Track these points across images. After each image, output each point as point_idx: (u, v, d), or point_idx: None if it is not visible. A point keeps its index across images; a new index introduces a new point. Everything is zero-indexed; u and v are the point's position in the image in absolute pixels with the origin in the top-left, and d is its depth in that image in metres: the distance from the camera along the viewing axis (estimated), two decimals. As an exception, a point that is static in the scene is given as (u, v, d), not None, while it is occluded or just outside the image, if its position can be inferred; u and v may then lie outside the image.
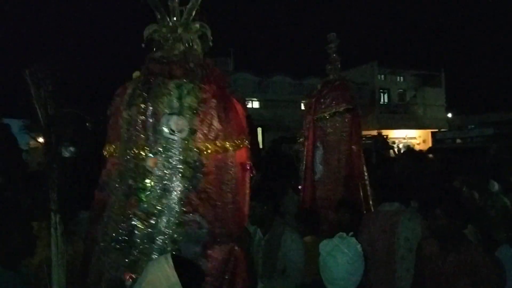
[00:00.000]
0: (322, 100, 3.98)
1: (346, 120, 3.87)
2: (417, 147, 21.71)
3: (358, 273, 1.81)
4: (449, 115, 27.32)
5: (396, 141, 22.63)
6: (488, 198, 4.60)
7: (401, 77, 26.96)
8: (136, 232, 1.96)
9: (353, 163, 3.86)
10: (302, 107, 4.55)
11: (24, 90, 2.19)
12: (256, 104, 22.81)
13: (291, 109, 21.05)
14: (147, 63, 2.24)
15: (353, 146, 3.88)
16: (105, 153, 2.29)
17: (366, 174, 3.91)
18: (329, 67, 4.15)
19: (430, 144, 19.67)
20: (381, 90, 25.95)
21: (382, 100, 26.09)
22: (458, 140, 16.98)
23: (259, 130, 17.15)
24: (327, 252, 1.84)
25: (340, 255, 1.80)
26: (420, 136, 24.90)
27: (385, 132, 20.38)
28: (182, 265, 1.62)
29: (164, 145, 2.02)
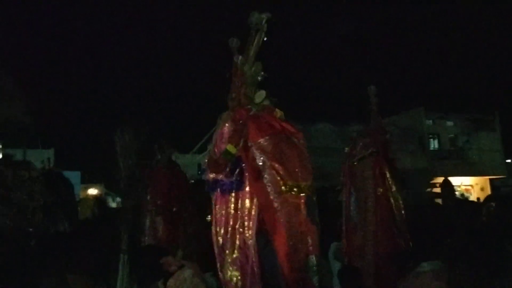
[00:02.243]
0: (356, 147, 4.11)
1: (371, 162, 3.92)
2: (474, 195, 20.18)
3: None
4: (508, 160, 25.52)
5: (451, 189, 21.22)
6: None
7: (451, 122, 25.84)
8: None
9: (381, 207, 3.80)
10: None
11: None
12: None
13: (334, 157, 20.66)
14: None
15: (378, 190, 3.84)
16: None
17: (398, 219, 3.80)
18: (370, 118, 4.25)
19: (488, 192, 18.25)
20: (430, 136, 24.95)
21: (432, 146, 24.98)
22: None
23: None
24: None
25: None
26: (477, 184, 23.31)
27: (437, 179, 19.26)
28: None
29: None
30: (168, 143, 4.28)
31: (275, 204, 2.34)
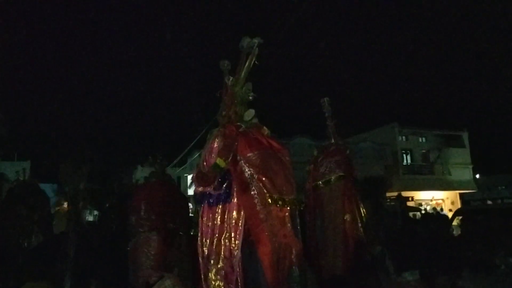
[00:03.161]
0: (318, 167, 3.95)
1: (339, 188, 3.78)
2: (445, 209, 20.76)
3: None
4: (478, 175, 26.45)
5: (423, 203, 21.81)
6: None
7: (423, 138, 26.69)
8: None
9: (347, 233, 3.68)
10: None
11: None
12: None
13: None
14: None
15: (346, 216, 3.71)
16: None
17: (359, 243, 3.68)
18: (327, 132, 4.15)
19: (459, 205, 18.83)
20: (403, 151, 25.65)
21: (405, 161, 25.66)
22: (489, 201, 16.20)
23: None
24: None
25: None
26: (448, 198, 23.99)
27: (410, 193, 19.77)
28: None
29: None
30: (161, 155, 4.16)
31: (261, 216, 2.44)
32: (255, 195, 2.47)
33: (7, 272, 2.96)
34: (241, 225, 2.46)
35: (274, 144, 2.74)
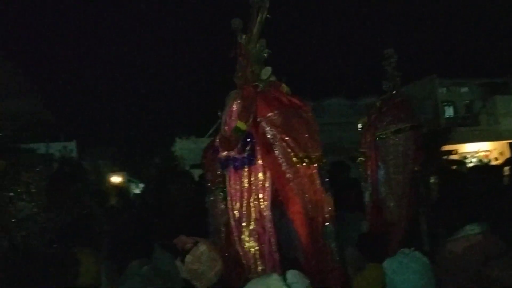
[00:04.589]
0: (382, 118, 3.80)
1: (410, 139, 3.66)
2: (494, 161, 19.91)
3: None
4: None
5: (468, 155, 21.00)
6: None
7: (466, 88, 25.33)
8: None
9: (417, 185, 3.64)
10: (359, 127, 4.29)
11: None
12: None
13: (348, 131, 20.57)
14: None
15: (415, 168, 3.65)
16: None
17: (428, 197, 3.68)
18: (388, 84, 3.97)
19: (508, 155, 17.96)
20: (444, 104, 24.52)
21: (447, 114, 24.59)
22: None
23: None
24: (392, 271, 1.73)
25: (409, 272, 1.67)
26: (495, 149, 22.93)
27: (454, 147, 19.05)
28: None
29: None
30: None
31: (288, 175, 2.41)
32: (280, 155, 2.43)
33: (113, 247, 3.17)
34: (268, 186, 2.45)
35: (295, 101, 2.65)
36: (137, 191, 18.48)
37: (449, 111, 24.79)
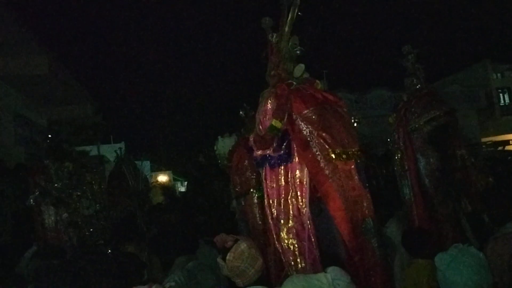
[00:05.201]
0: (413, 110, 3.77)
1: (444, 126, 3.66)
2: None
3: (486, 284, 1.60)
4: None
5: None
6: None
7: (524, 72, 23.51)
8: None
9: (459, 169, 3.61)
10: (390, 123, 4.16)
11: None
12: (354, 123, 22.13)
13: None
14: None
15: (457, 151, 3.64)
16: None
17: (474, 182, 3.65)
18: (410, 79, 3.94)
19: None
20: (499, 90, 22.95)
21: (502, 101, 23.00)
22: None
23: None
24: (445, 265, 1.68)
25: (462, 266, 1.62)
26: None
27: (510, 136, 17.83)
28: None
29: None
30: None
31: (326, 172, 2.41)
32: (317, 152, 2.42)
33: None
34: (306, 183, 2.45)
35: (330, 97, 2.64)
36: (182, 189, 19.10)
37: (504, 98, 23.17)
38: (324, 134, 2.45)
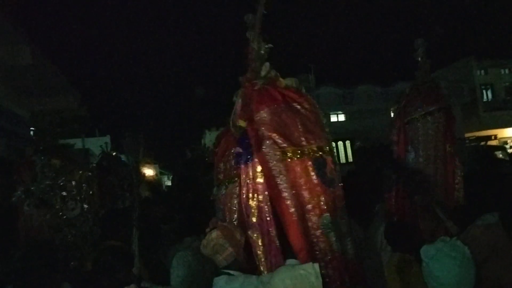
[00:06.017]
0: (412, 103, 3.90)
1: (439, 120, 3.73)
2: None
3: (469, 278, 1.62)
4: None
5: (509, 141, 20.05)
6: None
7: (506, 70, 24.02)
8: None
9: (448, 166, 3.68)
10: (392, 115, 4.33)
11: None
12: (341, 117, 22.34)
13: (380, 118, 20.12)
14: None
15: (448, 148, 3.71)
16: None
17: (458, 178, 3.67)
18: (418, 73, 4.03)
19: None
20: (482, 87, 23.41)
21: (485, 97, 23.49)
22: None
23: (347, 143, 16.67)
24: (430, 257, 1.72)
25: (447, 259, 1.65)
26: (539, 133, 21.73)
27: (493, 132, 18.24)
28: None
29: None
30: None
31: (274, 172, 2.49)
32: (267, 152, 2.50)
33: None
34: (261, 181, 2.53)
35: (291, 95, 2.68)
36: (169, 183, 19.02)
37: (487, 94, 23.64)
38: (274, 134, 2.53)
